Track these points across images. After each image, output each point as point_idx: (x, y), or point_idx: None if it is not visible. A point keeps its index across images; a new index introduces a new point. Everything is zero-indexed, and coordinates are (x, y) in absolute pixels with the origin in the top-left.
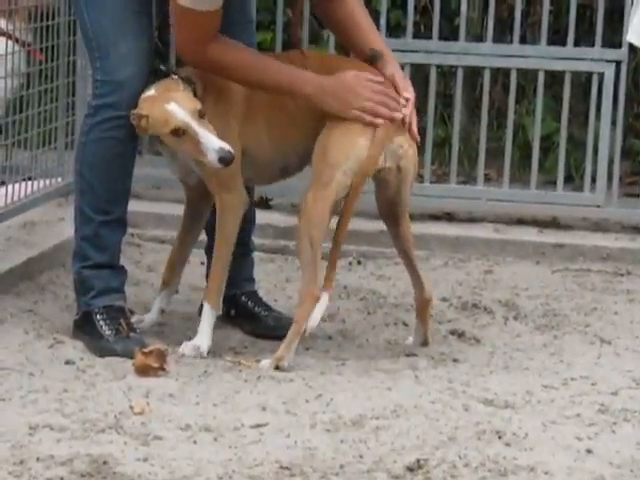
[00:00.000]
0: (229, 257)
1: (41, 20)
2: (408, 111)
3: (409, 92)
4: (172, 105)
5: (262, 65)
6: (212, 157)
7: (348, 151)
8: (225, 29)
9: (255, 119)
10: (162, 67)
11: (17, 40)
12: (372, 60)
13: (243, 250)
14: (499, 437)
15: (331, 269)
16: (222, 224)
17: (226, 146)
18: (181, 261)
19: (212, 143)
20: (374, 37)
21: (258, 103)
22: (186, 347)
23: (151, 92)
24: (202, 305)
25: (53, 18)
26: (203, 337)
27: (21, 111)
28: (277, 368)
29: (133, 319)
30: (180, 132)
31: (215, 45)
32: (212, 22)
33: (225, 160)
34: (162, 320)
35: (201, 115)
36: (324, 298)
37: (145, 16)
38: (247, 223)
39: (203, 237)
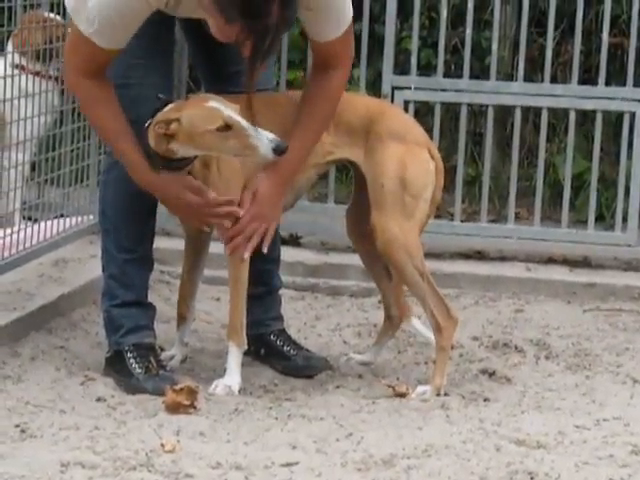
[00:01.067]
0: (245, 291)
1: None
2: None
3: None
4: (214, 103)
5: (114, 135)
6: (266, 148)
7: (426, 180)
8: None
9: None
10: (160, 95)
11: (50, 77)
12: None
13: (267, 289)
14: (531, 478)
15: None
16: (232, 261)
17: (277, 137)
18: (191, 294)
19: (263, 135)
20: (299, 134)
21: None
22: (217, 386)
23: (170, 106)
24: None
25: None
26: (233, 375)
27: (54, 149)
28: (438, 395)
29: (162, 356)
30: (227, 128)
31: (96, 86)
32: (107, 59)
33: (280, 149)
34: (193, 357)
35: (239, 112)
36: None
37: (161, 54)
38: (269, 262)
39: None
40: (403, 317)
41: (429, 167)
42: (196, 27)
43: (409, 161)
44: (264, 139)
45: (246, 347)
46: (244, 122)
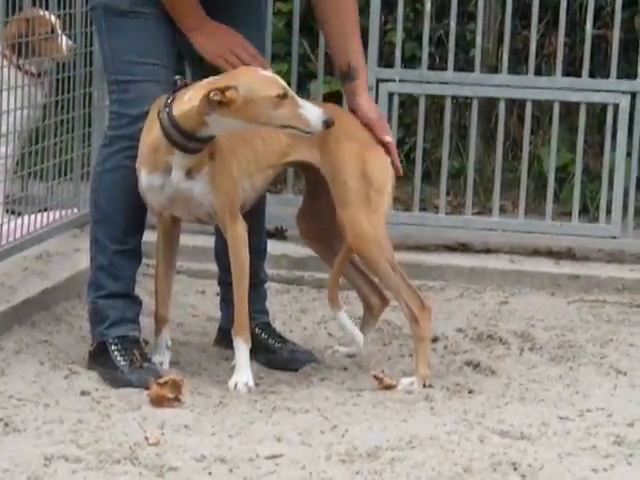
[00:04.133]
0: (247, 285)
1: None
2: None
3: (388, 134)
4: (268, 72)
5: None
6: (317, 121)
7: (387, 174)
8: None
9: (229, 153)
10: (177, 77)
11: (32, 75)
12: (346, 77)
13: (253, 282)
14: (515, 469)
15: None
16: (237, 255)
17: (324, 111)
18: (169, 292)
19: (315, 110)
20: (353, 46)
21: (233, 138)
22: (237, 385)
23: (218, 77)
24: (218, 336)
25: (70, 50)
26: (246, 371)
27: (37, 142)
28: (424, 385)
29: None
30: (285, 97)
31: None
32: None
33: (329, 123)
34: (178, 350)
35: None
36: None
37: (166, 54)
38: (255, 255)
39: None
40: (380, 306)
41: (387, 162)
42: None
43: (368, 157)
44: (315, 112)
45: (250, 344)
46: (295, 94)
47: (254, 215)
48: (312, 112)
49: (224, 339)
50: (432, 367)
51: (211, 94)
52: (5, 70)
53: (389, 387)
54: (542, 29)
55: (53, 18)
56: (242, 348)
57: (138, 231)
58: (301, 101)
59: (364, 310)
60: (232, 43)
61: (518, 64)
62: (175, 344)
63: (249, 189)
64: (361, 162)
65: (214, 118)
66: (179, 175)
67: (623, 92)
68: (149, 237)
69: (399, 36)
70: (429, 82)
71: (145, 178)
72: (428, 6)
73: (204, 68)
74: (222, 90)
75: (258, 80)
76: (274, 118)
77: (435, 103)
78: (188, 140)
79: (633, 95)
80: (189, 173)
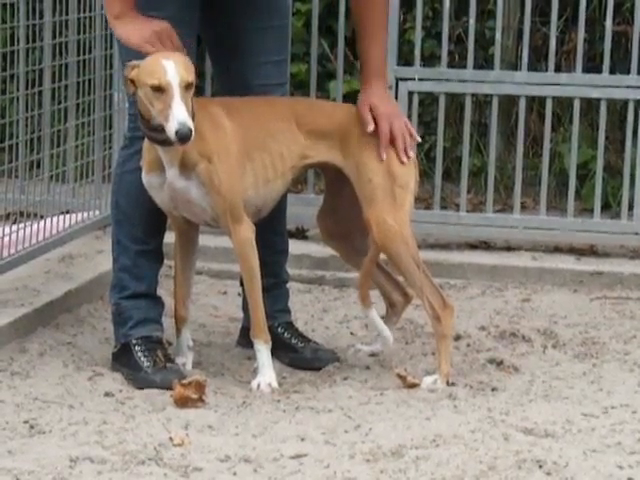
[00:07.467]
0: (260, 286)
1: (77, 55)
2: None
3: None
4: (169, 63)
5: None
6: (172, 127)
7: (411, 171)
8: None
9: (237, 157)
10: None
11: None
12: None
13: (275, 281)
14: (540, 466)
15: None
16: (243, 256)
17: (189, 124)
18: (188, 294)
19: (179, 114)
20: (375, 51)
21: (248, 142)
22: (260, 385)
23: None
24: (241, 336)
25: (90, 52)
26: (269, 371)
27: (59, 145)
28: (447, 382)
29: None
30: (160, 90)
31: None
32: None
33: (181, 135)
34: (200, 351)
35: (187, 87)
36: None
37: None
38: (277, 254)
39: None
40: (399, 303)
41: (410, 159)
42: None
43: (391, 154)
44: (177, 118)
45: (270, 343)
46: (176, 93)
47: (275, 215)
48: (175, 118)
49: (247, 339)
50: (455, 365)
51: (125, 69)
52: None
53: (412, 385)
54: (561, 25)
55: None
56: (263, 350)
57: (159, 231)
58: (177, 101)
59: (386, 307)
60: (158, 29)
61: (538, 61)
62: (198, 345)
63: (267, 195)
64: (385, 159)
65: (139, 95)
66: (173, 173)
67: None
68: (170, 239)
69: (418, 34)
70: (448, 80)
71: (145, 177)
72: (447, 4)
73: (224, 70)
74: (132, 67)
75: (152, 66)
76: (154, 109)
77: (455, 101)
78: (151, 130)
79: None
80: (183, 171)
